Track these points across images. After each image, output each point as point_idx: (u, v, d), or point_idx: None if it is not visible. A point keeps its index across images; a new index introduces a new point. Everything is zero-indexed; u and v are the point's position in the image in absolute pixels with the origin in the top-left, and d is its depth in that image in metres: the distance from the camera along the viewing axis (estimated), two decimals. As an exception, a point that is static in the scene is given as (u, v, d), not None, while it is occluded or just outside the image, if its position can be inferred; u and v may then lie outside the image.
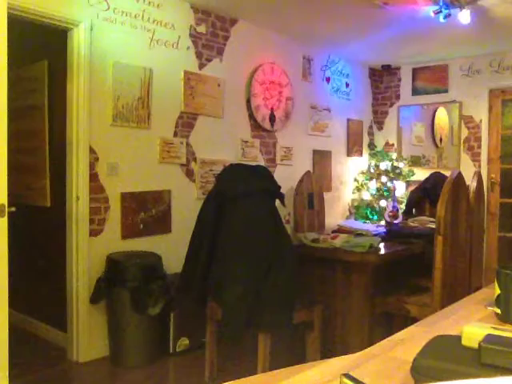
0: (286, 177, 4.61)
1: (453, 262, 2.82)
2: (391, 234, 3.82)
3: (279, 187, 3.15)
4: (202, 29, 4.09)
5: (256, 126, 4.60)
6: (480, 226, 3.52)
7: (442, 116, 5.87)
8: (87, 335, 3.39)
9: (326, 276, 3.42)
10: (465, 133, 5.60)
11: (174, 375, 3.46)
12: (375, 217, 5.48)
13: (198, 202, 3.69)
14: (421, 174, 5.38)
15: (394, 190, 5.58)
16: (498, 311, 1.38)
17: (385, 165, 5.69)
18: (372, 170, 5.82)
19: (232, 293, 2.80)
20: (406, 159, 5.80)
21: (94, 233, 3.42)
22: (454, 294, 2.69)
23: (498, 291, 1.39)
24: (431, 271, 2.74)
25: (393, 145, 6.16)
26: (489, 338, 0.93)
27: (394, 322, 3.35)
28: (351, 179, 5.88)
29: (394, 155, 5.85)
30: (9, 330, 2.44)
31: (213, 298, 2.99)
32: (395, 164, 5.70)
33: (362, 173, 5.91)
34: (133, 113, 3.60)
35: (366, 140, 6.13)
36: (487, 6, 3.85)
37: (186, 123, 3.99)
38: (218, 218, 2.94)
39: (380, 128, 6.27)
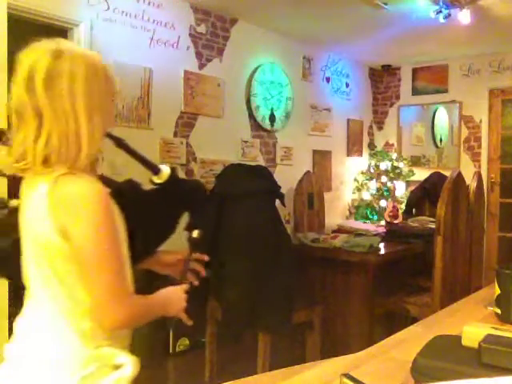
0: (286, 177, 4.61)
1: (453, 262, 2.82)
2: (391, 234, 3.82)
3: (279, 187, 3.15)
4: (201, 29, 4.09)
5: (256, 126, 4.59)
6: (480, 226, 3.52)
7: (441, 116, 5.87)
8: (87, 335, 3.39)
9: (326, 276, 3.42)
10: (465, 133, 5.60)
11: (174, 375, 3.46)
12: (375, 217, 5.47)
13: (198, 202, 3.69)
14: (421, 174, 5.37)
15: (394, 190, 5.58)
16: (498, 311, 1.38)
17: (385, 165, 5.68)
18: (372, 170, 5.82)
19: (232, 293, 2.80)
20: (406, 159, 5.80)
21: (94, 233, 3.41)
22: (453, 294, 2.70)
23: (498, 291, 1.39)
24: (431, 271, 2.74)
25: (393, 145, 6.15)
26: (489, 338, 0.93)
27: (394, 322, 3.35)
28: (351, 179, 5.88)
29: (394, 155, 5.84)
30: (9, 330, 2.44)
31: (213, 297, 2.99)
32: (395, 164, 5.69)
33: (362, 173, 5.91)
34: (133, 113, 3.60)
35: (366, 140, 6.13)
36: (487, 6, 3.85)
37: (186, 123, 3.99)
38: (218, 218, 2.94)
39: (380, 128, 6.27)
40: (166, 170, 1.36)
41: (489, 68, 5.38)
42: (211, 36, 4.17)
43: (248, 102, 4.50)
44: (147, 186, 1.42)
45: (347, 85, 5.78)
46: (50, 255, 1.06)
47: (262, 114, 4.61)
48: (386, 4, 3.83)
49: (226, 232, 2.90)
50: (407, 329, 1.35)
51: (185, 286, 1.32)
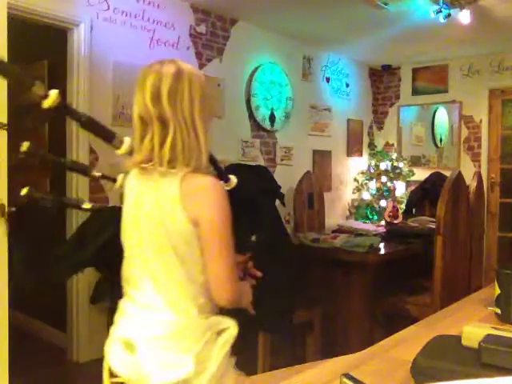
0: (286, 177, 4.61)
1: (453, 262, 2.82)
2: (391, 234, 3.82)
3: (279, 187, 3.15)
4: (201, 29, 4.09)
5: (256, 125, 4.59)
6: (480, 226, 3.52)
7: (441, 116, 5.87)
8: (87, 335, 3.39)
9: (326, 276, 3.41)
10: (465, 133, 5.60)
11: (174, 375, 3.45)
12: (375, 217, 5.47)
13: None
14: (421, 174, 5.37)
15: (394, 190, 5.58)
16: (498, 311, 1.38)
17: (385, 165, 5.68)
18: (372, 170, 5.82)
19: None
20: (405, 159, 5.80)
21: (94, 233, 3.41)
22: (454, 293, 2.69)
23: (498, 291, 1.39)
24: (431, 271, 2.74)
25: (393, 145, 6.15)
26: (489, 338, 0.93)
27: (394, 322, 3.35)
28: (351, 179, 5.88)
29: (394, 155, 5.85)
30: (9, 329, 2.44)
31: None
32: (395, 164, 5.69)
33: (362, 173, 5.91)
34: (133, 113, 3.60)
35: (366, 140, 6.13)
36: (487, 6, 3.85)
37: (186, 123, 3.99)
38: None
39: (380, 128, 6.27)
40: (234, 180, 1.56)
41: (489, 68, 5.38)
42: (211, 36, 4.17)
43: (248, 102, 4.50)
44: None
45: (347, 85, 5.78)
46: (176, 240, 1.23)
47: (262, 114, 4.61)
48: (386, 4, 3.83)
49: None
50: (407, 329, 1.35)
51: (249, 283, 1.50)
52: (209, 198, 1.23)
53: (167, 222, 1.22)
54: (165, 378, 1.19)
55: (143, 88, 1.29)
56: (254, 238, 1.56)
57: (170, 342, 1.22)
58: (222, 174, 1.54)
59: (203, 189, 1.23)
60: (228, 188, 1.53)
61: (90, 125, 1.52)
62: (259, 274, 1.59)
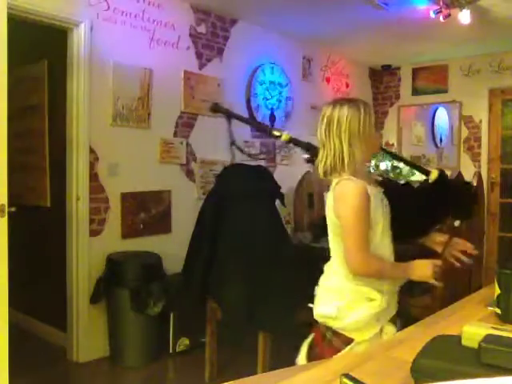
0: (286, 177, 4.61)
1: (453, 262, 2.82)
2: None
3: (279, 187, 3.15)
4: (202, 29, 4.09)
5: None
6: (480, 226, 3.51)
7: (442, 116, 5.86)
8: (87, 335, 3.39)
9: (326, 276, 3.41)
10: (465, 133, 5.60)
11: (174, 375, 3.46)
12: (375, 217, 5.46)
13: (198, 202, 3.69)
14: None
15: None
16: (498, 311, 1.38)
17: (385, 165, 5.68)
18: (372, 170, 5.81)
19: (232, 293, 2.80)
20: (406, 159, 5.79)
21: (93, 233, 3.42)
22: (454, 293, 2.69)
23: (497, 291, 1.39)
24: (431, 271, 2.73)
25: (393, 145, 6.15)
26: (489, 338, 0.93)
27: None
28: (351, 179, 5.86)
29: (394, 155, 5.84)
30: (9, 329, 2.44)
31: (213, 298, 2.99)
32: (395, 164, 5.69)
33: (362, 173, 5.89)
34: (133, 113, 3.60)
35: (366, 140, 6.12)
36: (487, 6, 3.85)
37: (185, 123, 3.99)
38: (218, 218, 2.94)
39: (380, 128, 6.27)
40: (434, 173, 1.87)
41: (489, 68, 5.38)
42: (211, 36, 4.17)
43: (248, 101, 4.50)
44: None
45: (347, 85, 5.78)
46: (334, 227, 1.79)
47: (262, 114, 4.61)
48: (386, 4, 3.82)
49: (225, 232, 2.90)
50: (407, 329, 1.35)
51: (436, 261, 1.84)
52: (344, 201, 1.72)
53: (330, 215, 1.79)
54: (320, 311, 1.82)
55: (321, 119, 1.92)
56: (457, 223, 1.90)
57: (328, 294, 1.84)
58: (420, 169, 2.01)
59: (341, 194, 1.74)
60: (431, 181, 1.98)
61: (312, 149, 2.05)
62: (472, 250, 1.93)
